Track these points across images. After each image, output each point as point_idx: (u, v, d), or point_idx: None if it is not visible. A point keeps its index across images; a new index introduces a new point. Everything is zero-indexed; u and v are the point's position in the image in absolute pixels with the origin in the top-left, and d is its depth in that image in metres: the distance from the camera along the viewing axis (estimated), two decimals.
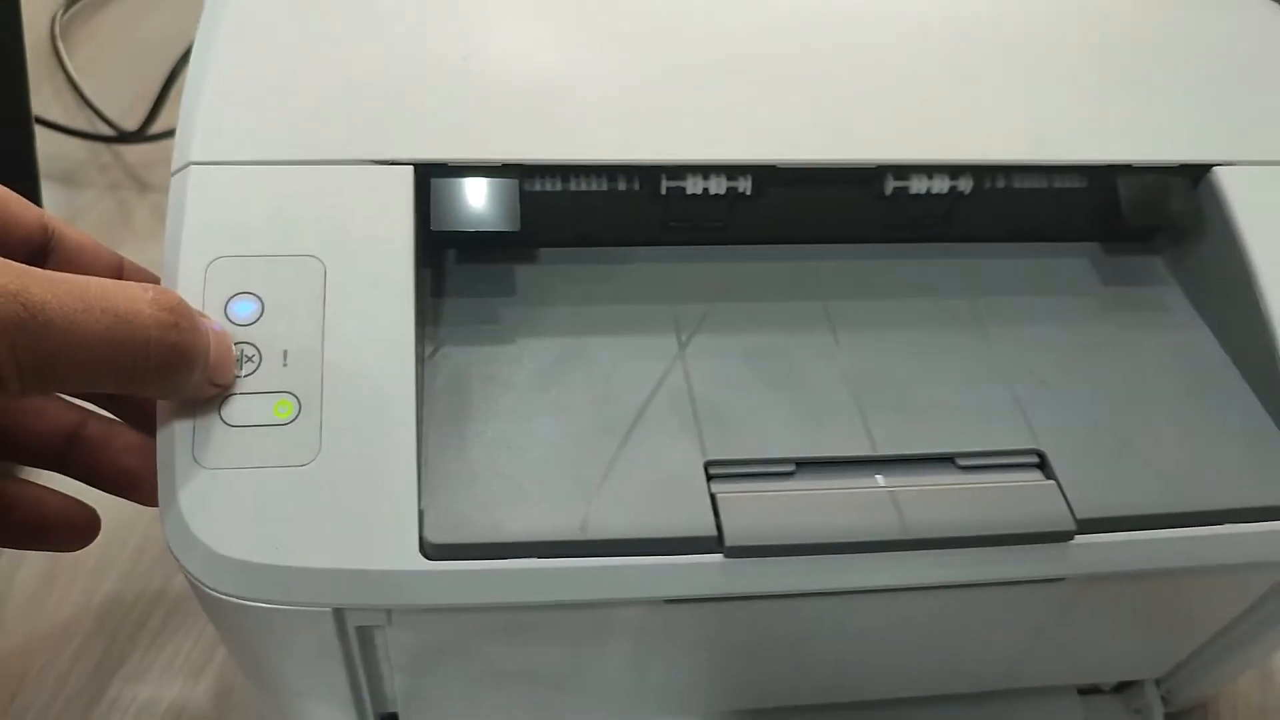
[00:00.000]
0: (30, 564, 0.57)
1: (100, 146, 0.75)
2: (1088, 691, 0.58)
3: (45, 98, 0.77)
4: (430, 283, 0.45)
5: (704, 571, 0.38)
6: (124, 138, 0.74)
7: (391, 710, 0.49)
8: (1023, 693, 0.56)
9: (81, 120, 0.76)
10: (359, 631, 0.41)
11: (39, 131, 0.64)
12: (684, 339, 0.44)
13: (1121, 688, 0.58)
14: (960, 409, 0.43)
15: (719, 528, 0.38)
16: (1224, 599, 0.48)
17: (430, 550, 0.37)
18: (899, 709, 0.55)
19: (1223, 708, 0.59)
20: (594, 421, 0.41)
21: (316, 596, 0.37)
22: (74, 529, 0.42)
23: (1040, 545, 0.40)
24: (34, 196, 0.61)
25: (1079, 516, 0.40)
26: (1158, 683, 0.57)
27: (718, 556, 0.38)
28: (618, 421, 0.41)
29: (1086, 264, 0.50)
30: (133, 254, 0.67)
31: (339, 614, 0.38)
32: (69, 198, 0.72)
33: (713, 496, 0.39)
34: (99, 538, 0.56)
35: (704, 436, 0.41)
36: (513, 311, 0.45)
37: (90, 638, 0.55)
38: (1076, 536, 0.40)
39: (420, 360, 0.41)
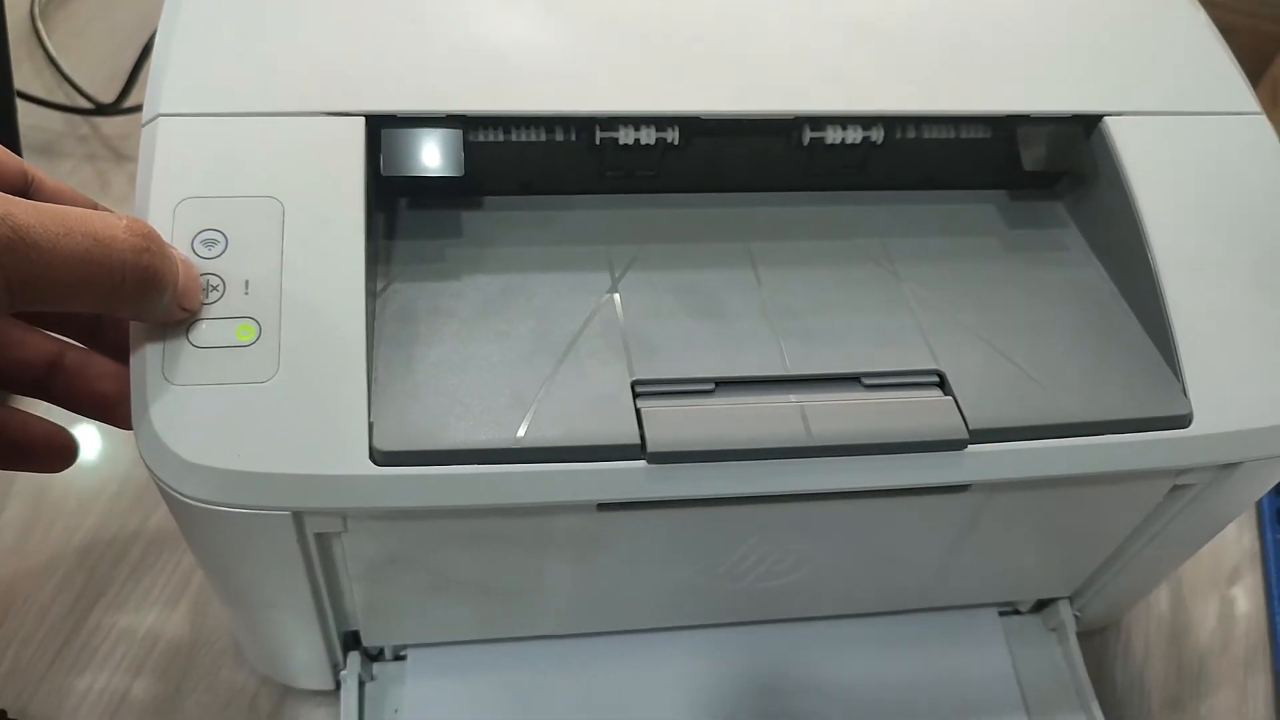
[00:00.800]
0: (14, 505, 0.61)
1: (78, 119, 0.79)
2: (1008, 613, 0.62)
3: (26, 75, 0.80)
4: (383, 227, 0.49)
5: (630, 476, 0.42)
6: (101, 110, 0.78)
7: (353, 628, 0.53)
8: (945, 614, 0.61)
9: (60, 96, 0.79)
10: (318, 539, 0.45)
11: (20, 105, 0.67)
12: (617, 275, 0.48)
13: (1038, 609, 0.62)
14: (868, 336, 0.47)
15: (642, 437, 0.42)
16: (1121, 511, 0.52)
17: (379, 457, 0.41)
18: (825, 627, 0.59)
19: (1135, 628, 0.64)
20: (532, 346, 0.45)
21: (277, 500, 0.41)
22: (57, 450, 0.46)
23: (937, 453, 0.44)
24: None
25: (972, 427, 0.44)
26: (1071, 602, 0.61)
27: (641, 463, 0.42)
28: (554, 347, 0.45)
29: (992, 209, 0.54)
30: None
31: (298, 518, 0.42)
32: (49, 167, 0.76)
33: (638, 410, 0.43)
34: (86, 469, 0.60)
35: (632, 360, 0.45)
36: (459, 252, 0.48)
37: (72, 572, 0.59)
38: (970, 445, 0.44)
39: (372, 294, 0.45)
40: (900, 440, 0.44)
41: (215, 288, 0.42)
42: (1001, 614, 0.62)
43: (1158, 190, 0.50)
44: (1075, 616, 0.61)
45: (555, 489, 0.42)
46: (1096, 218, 0.52)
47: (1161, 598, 0.65)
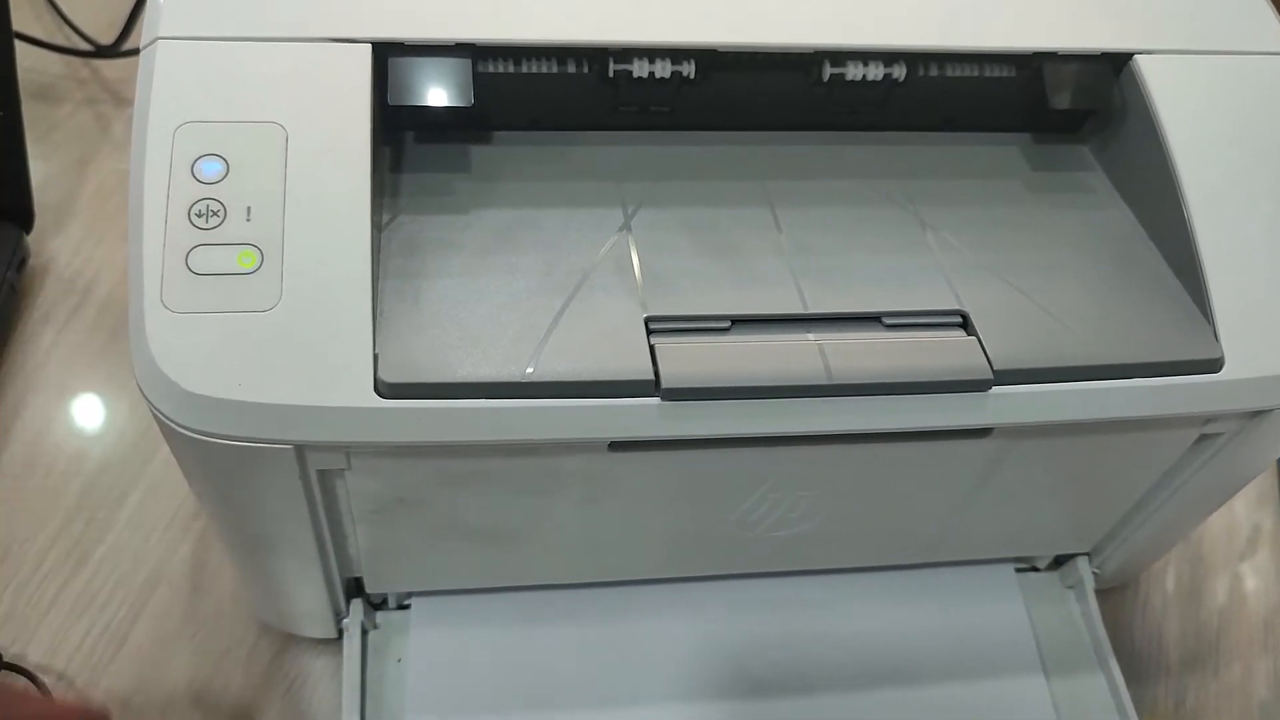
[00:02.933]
0: (13, 448, 0.59)
1: (78, 62, 0.77)
2: (1024, 570, 0.61)
3: (25, 17, 0.78)
4: (389, 160, 0.47)
5: (642, 414, 0.41)
6: (101, 53, 0.76)
7: (356, 575, 0.52)
8: (961, 569, 0.59)
9: (60, 38, 0.78)
10: (321, 478, 0.44)
11: (18, 47, 0.65)
12: (630, 212, 0.47)
13: (1056, 565, 0.61)
14: (889, 276, 0.46)
15: (656, 373, 0.41)
16: (1145, 461, 0.50)
17: (384, 389, 0.39)
18: (839, 580, 0.58)
19: (1153, 587, 0.63)
20: (541, 282, 0.43)
21: (278, 433, 0.40)
22: None
23: (959, 394, 0.43)
24: (14, 110, 0.63)
25: (997, 368, 0.43)
26: (1089, 558, 0.60)
27: (655, 399, 0.41)
28: (564, 282, 0.43)
29: (1016, 152, 0.52)
30: (110, 164, 0.70)
31: (300, 453, 0.41)
32: (47, 111, 0.74)
33: (651, 347, 0.42)
34: (85, 416, 0.59)
35: (645, 296, 0.43)
36: (467, 186, 0.47)
37: (71, 516, 0.58)
38: (994, 387, 0.43)
39: (377, 227, 0.44)
40: (923, 380, 0.42)
41: (215, 213, 0.41)
42: (1018, 570, 0.61)
43: (1189, 130, 0.48)
44: (1094, 574, 0.59)
45: (565, 426, 0.41)
46: (1124, 160, 0.51)
47: (1181, 557, 0.64)
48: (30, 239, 0.66)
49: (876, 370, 0.42)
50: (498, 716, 0.53)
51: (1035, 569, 0.61)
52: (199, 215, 0.41)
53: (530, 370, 0.40)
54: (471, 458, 0.44)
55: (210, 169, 0.41)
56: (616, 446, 0.44)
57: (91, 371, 0.63)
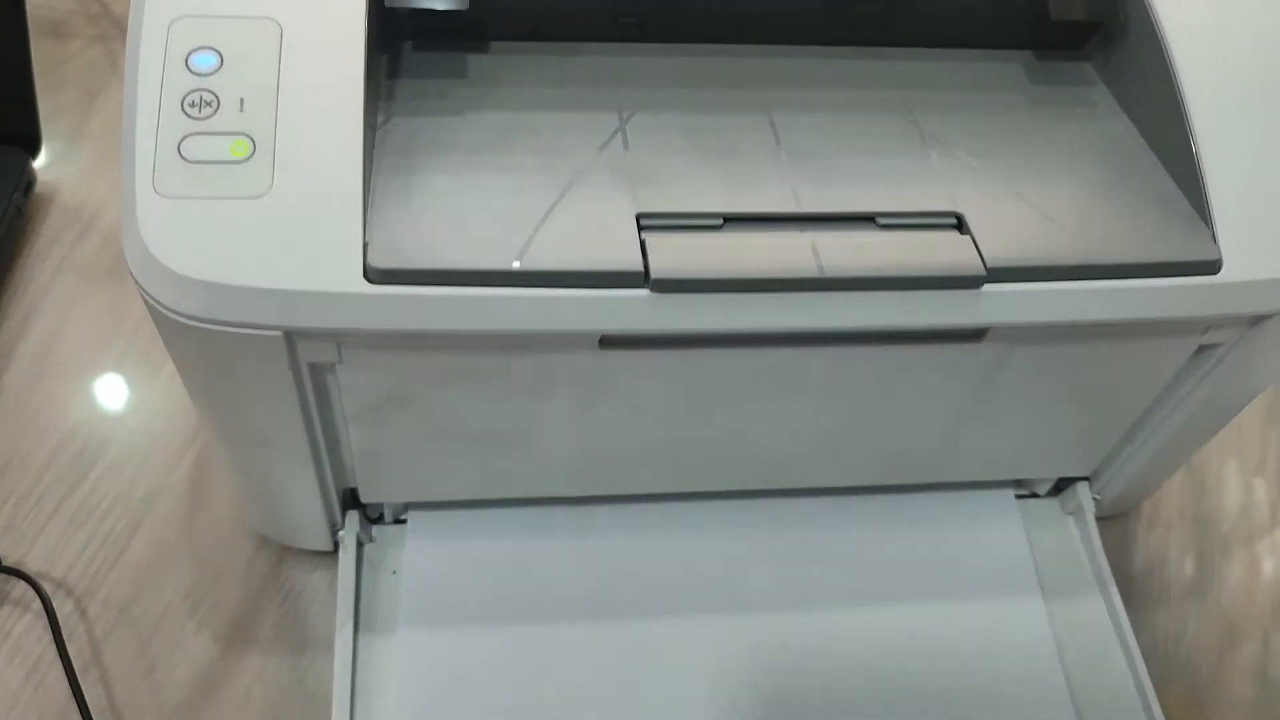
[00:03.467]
0: (17, 365, 0.60)
1: None
2: (1025, 497, 0.61)
3: None
4: (387, 67, 0.47)
5: (632, 306, 0.41)
6: None
7: (351, 485, 0.53)
8: (960, 494, 0.59)
9: None
10: (312, 372, 0.44)
11: None
12: (625, 116, 0.47)
13: (1056, 492, 0.61)
14: (885, 179, 0.45)
15: (646, 264, 0.41)
16: (1144, 372, 0.50)
17: (373, 275, 0.39)
18: (837, 501, 0.58)
19: (1156, 516, 0.62)
20: (535, 180, 0.43)
21: (268, 317, 0.40)
22: None
23: (952, 291, 0.43)
24: (22, 35, 0.63)
25: (990, 265, 0.42)
26: (1090, 484, 0.59)
27: (644, 291, 0.41)
28: (557, 180, 0.43)
29: (1019, 68, 0.52)
30: (119, 97, 0.70)
31: (290, 341, 0.41)
32: (58, 46, 0.75)
33: (642, 240, 0.41)
34: (88, 337, 0.60)
35: (638, 194, 0.43)
36: (463, 91, 0.47)
37: (73, 431, 0.58)
38: (987, 285, 0.43)
39: (372, 127, 0.44)
40: (914, 275, 0.42)
41: (209, 104, 0.41)
42: (1018, 497, 0.60)
43: (1191, 39, 0.47)
44: (1094, 499, 0.59)
45: (554, 317, 0.41)
46: (1126, 73, 0.50)
47: (1185, 486, 0.63)
48: (38, 167, 0.67)
49: (868, 265, 0.42)
50: (491, 628, 0.53)
51: (1036, 495, 0.61)
52: (192, 105, 0.41)
53: (519, 260, 0.40)
54: (461, 353, 0.44)
55: (204, 62, 0.41)
56: (607, 344, 0.44)
57: (96, 294, 0.63)
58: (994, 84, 0.51)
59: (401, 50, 0.48)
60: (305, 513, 0.52)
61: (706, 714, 0.52)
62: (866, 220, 0.44)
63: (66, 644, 0.51)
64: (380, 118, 0.45)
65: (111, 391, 0.60)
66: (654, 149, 0.45)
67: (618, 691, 0.52)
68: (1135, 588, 0.59)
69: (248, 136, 0.41)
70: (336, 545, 0.54)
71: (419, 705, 0.50)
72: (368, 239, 0.40)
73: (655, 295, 0.41)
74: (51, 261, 0.64)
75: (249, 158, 0.40)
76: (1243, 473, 0.64)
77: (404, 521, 0.56)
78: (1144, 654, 0.55)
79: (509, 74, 0.48)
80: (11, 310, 0.62)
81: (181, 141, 0.40)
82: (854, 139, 0.47)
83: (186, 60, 0.41)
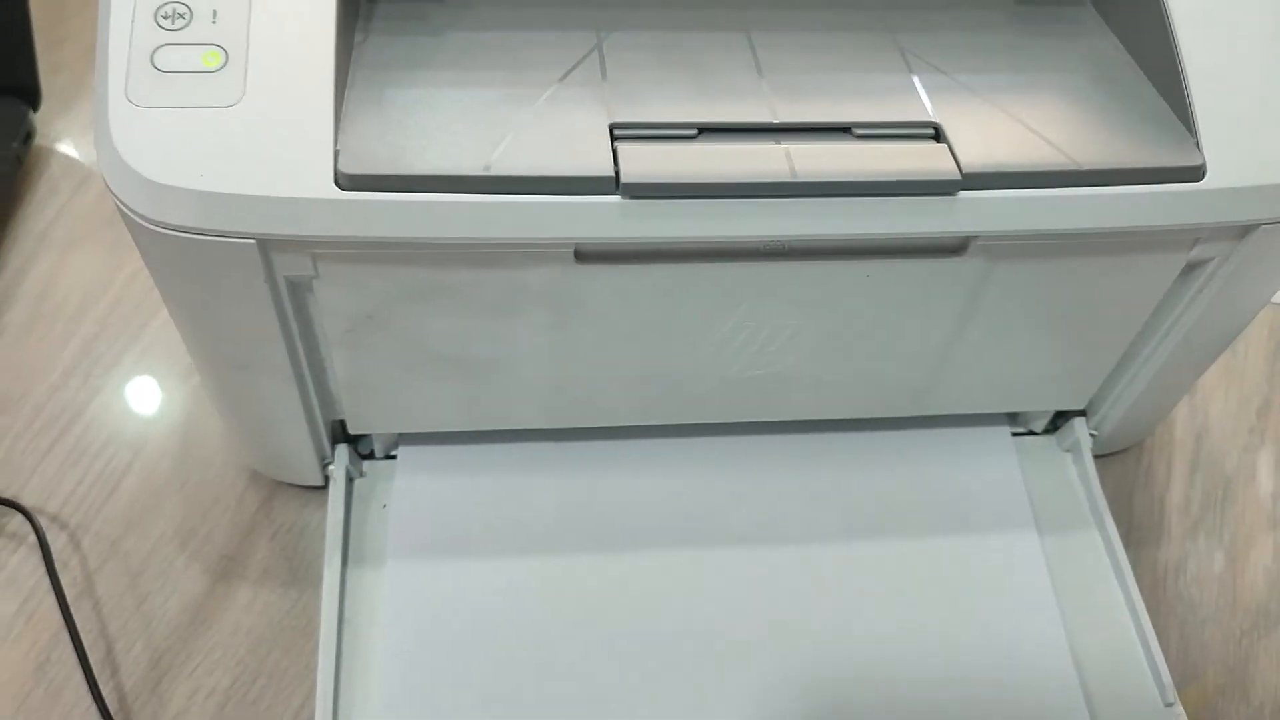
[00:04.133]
0: (15, 308, 0.61)
1: None
2: (1021, 434, 0.60)
3: None
4: None
5: (603, 212, 0.41)
6: None
7: (339, 417, 0.53)
8: (955, 430, 0.59)
9: None
10: (291, 289, 0.44)
11: None
12: (602, 35, 0.46)
13: (1053, 430, 0.60)
14: (863, 92, 0.45)
15: (616, 170, 0.41)
16: (1132, 292, 0.49)
17: (343, 181, 0.40)
18: (829, 438, 0.58)
19: (1157, 454, 0.61)
20: (508, 92, 0.43)
21: (240, 224, 0.40)
22: None
23: (927, 198, 0.42)
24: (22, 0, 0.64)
25: (966, 171, 0.42)
26: (1087, 420, 0.58)
27: (616, 198, 0.41)
28: (531, 93, 0.43)
29: None
30: None
31: (265, 251, 0.41)
32: (57, 5, 0.75)
33: (614, 147, 0.41)
34: (85, 282, 0.60)
35: (612, 105, 0.43)
36: (442, 12, 0.47)
37: (69, 372, 0.59)
38: (964, 191, 0.42)
39: (348, 45, 0.44)
40: (889, 180, 0.42)
41: (181, 15, 0.41)
42: (1015, 434, 0.60)
43: None
44: (1091, 435, 0.58)
45: (525, 223, 0.41)
46: None
47: (1186, 425, 0.62)
48: (38, 119, 0.68)
49: (842, 170, 0.42)
50: (477, 560, 0.53)
51: (1032, 432, 0.60)
52: (165, 17, 0.41)
53: (490, 165, 0.40)
54: (436, 267, 0.44)
55: None
56: (582, 257, 0.44)
57: (93, 240, 0.64)
58: (980, 3, 0.50)
59: None
60: (294, 445, 0.53)
61: (692, 644, 0.51)
62: (843, 131, 0.44)
63: (60, 576, 0.52)
64: (358, 37, 0.45)
65: (107, 334, 0.60)
66: (630, 66, 0.45)
67: (601, 621, 0.52)
68: (1135, 525, 0.59)
69: (220, 47, 0.41)
70: (327, 480, 0.55)
71: (405, 635, 0.50)
72: (339, 147, 0.40)
73: (627, 201, 0.41)
74: (50, 209, 0.65)
75: (221, 67, 0.41)
76: (1246, 413, 0.63)
77: (394, 457, 0.56)
78: (1142, 588, 0.54)
79: None
80: (10, 256, 0.63)
81: (154, 52, 0.41)
82: (833, 57, 0.47)
83: None
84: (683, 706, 0.50)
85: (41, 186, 0.66)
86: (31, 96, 0.66)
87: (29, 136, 0.66)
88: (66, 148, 0.68)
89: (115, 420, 0.57)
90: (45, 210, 0.65)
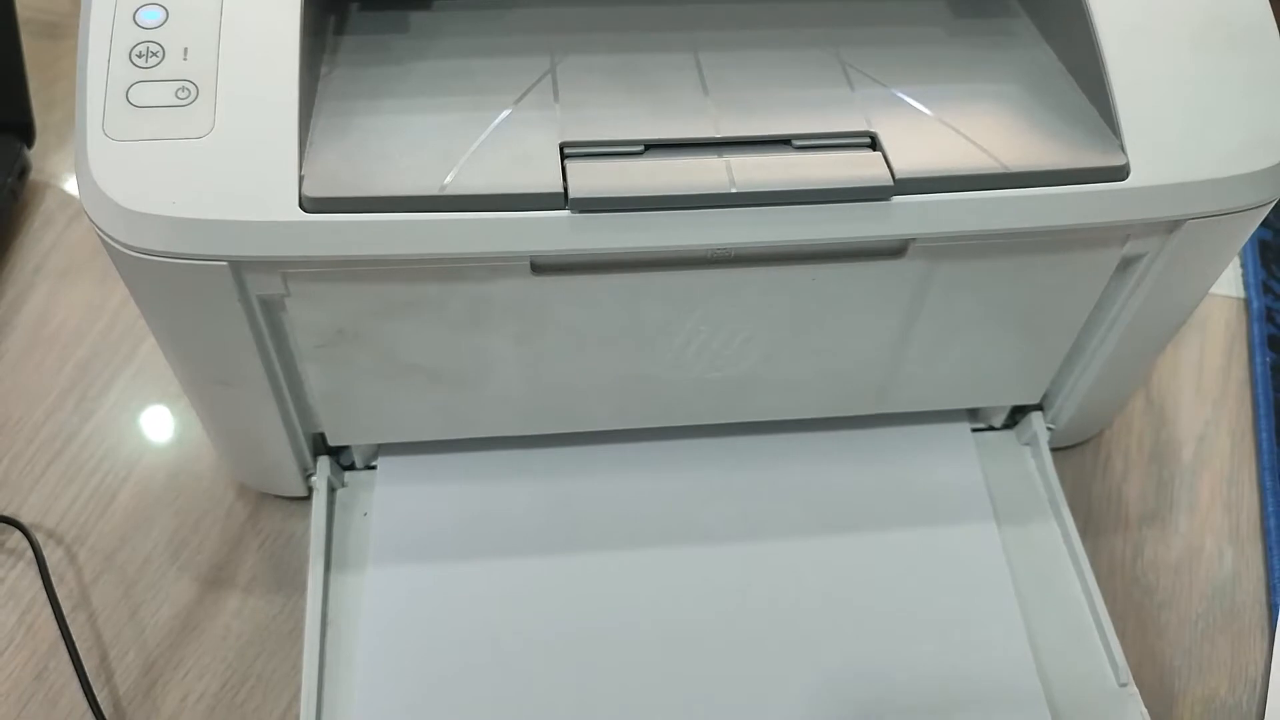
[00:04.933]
0: (11, 337, 0.63)
1: None
2: (981, 429, 0.62)
3: None
4: (333, 25, 0.50)
5: (554, 226, 0.43)
6: None
7: (319, 430, 0.55)
8: (916, 428, 0.61)
9: None
10: (265, 308, 0.47)
11: None
12: (556, 60, 0.49)
13: (1012, 425, 0.62)
14: (804, 107, 0.47)
15: (565, 186, 0.43)
16: (1072, 288, 0.51)
17: (308, 204, 0.42)
18: (793, 438, 0.60)
19: (1115, 447, 0.63)
20: (465, 116, 0.46)
21: (212, 247, 0.43)
22: None
23: (862, 204, 0.45)
24: (12, 29, 0.67)
25: (899, 177, 0.44)
26: (1044, 414, 0.60)
27: (565, 212, 0.43)
28: (486, 116, 0.46)
29: (943, 3, 0.54)
30: None
31: (237, 273, 0.44)
32: (53, 45, 0.78)
33: (564, 165, 0.44)
34: (79, 308, 0.63)
35: (563, 126, 0.46)
36: (404, 43, 0.50)
37: (65, 394, 0.61)
38: (898, 196, 0.44)
39: (315, 77, 0.47)
40: (824, 188, 0.44)
41: (154, 54, 0.44)
42: (975, 430, 0.62)
43: None
44: (1048, 429, 0.60)
45: (480, 238, 0.43)
46: (1047, 4, 0.52)
47: (1144, 419, 0.64)
48: (33, 155, 0.70)
49: (779, 179, 0.44)
50: (457, 564, 0.55)
51: (992, 428, 0.62)
52: (139, 56, 0.44)
53: (446, 184, 0.43)
54: (400, 283, 0.46)
55: (150, 16, 0.44)
56: (539, 269, 0.46)
57: (87, 270, 0.66)
58: (919, 19, 0.53)
59: (348, 10, 0.51)
60: (277, 458, 0.55)
61: (669, 643, 0.53)
62: (782, 143, 0.46)
63: (56, 588, 0.54)
64: (324, 69, 0.48)
65: (100, 359, 0.63)
66: (582, 88, 0.48)
67: (579, 622, 0.54)
68: (1093, 515, 0.60)
69: (191, 83, 0.43)
70: (310, 491, 0.57)
71: (387, 637, 0.53)
72: (304, 172, 0.43)
73: (576, 215, 0.43)
74: (45, 241, 0.68)
75: (192, 102, 0.43)
76: (1201, 404, 0.65)
77: (374, 468, 0.58)
78: (1100, 576, 0.56)
79: (449, 27, 0.51)
80: (7, 286, 0.65)
81: (129, 88, 0.43)
82: (777, 73, 0.49)
83: (134, 15, 0.44)
84: (662, 702, 0.52)
85: (37, 219, 0.69)
86: (26, 133, 0.69)
87: (24, 171, 0.69)
88: (61, 182, 0.71)
89: (109, 440, 0.60)
90: (41, 242, 0.68)
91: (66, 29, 0.79)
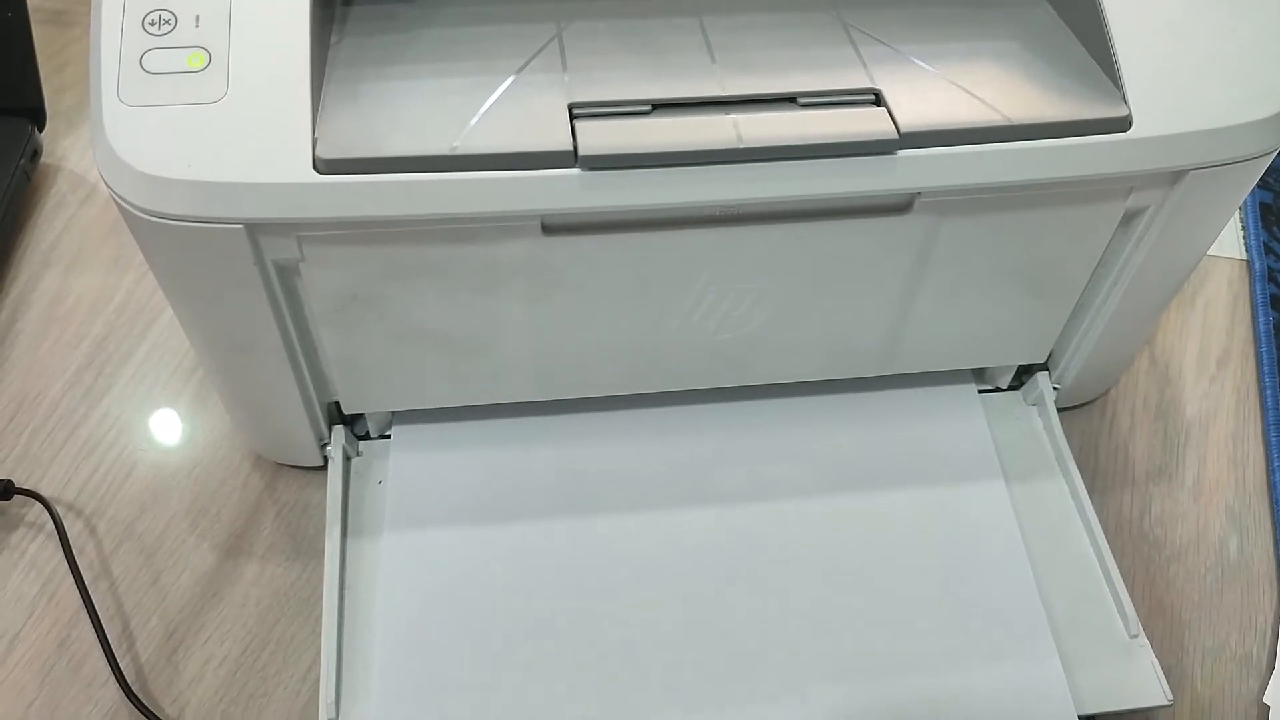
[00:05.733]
0: (27, 315, 0.64)
1: None
2: (987, 391, 0.62)
3: None
4: None
5: (564, 184, 0.44)
6: None
7: (334, 399, 0.56)
8: (923, 390, 0.61)
9: None
10: (280, 273, 0.47)
11: None
12: (563, 25, 0.50)
13: (1018, 386, 0.63)
14: (810, 68, 0.48)
15: (575, 144, 0.44)
16: (1075, 242, 0.52)
17: (321, 166, 0.43)
18: (802, 401, 0.60)
19: (1121, 405, 0.64)
20: (474, 81, 0.46)
21: (227, 210, 0.43)
22: None
23: (868, 158, 0.45)
24: (22, 12, 0.67)
25: (904, 131, 0.45)
26: (1049, 374, 0.61)
27: (575, 170, 0.44)
28: (495, 80, 0.46)
29: None
30: None
31: (253, 236, 0.45)
32: (61, 32, 0.79)
33: (573, 125, 0.44)
34: (94, 286, 0.64)
35: (571, 88, 0.46)
36: (413, 12, 0.50)
37: (82, 371, 0.62)
38: (903, 150, 0.45)
39: (325, 45, 0.47)
40: (830, 142, 0.45)
41: (167, 21, 0.44)
42: (981, 391, 0.62)
43: None
44: (1054, 388, 0.61)
45: (492, 197, 0.44)
46: None
47: (1149, 379, 0.65)
48: (44, 139, 0.71)
49: (786, 135, 0.45)
50: (471, 529, 0.56)
51: (999, 389, 0.63)
52: (152, 24, 0.44)
53: (457, 144, 0.44)
54: (413, 244, 0.47)
55: None
56: (550, 230, 0.47)
57: (100, 250, 0.67)
58: None
59: None
60: (293, 427, 0.56)
61: (681, 602, 0.54)
62: (788, 101, 0.47)
63: (77, 558, 0.55)
64: (334, 38, 0.48)
65: (115, 335, 0.63)
66: (588, 53, 0.48)
67: (593, 584, 0.54)
68: (1101, 472, 0.61)
69: (204, 49, 0.44)
70: (326, 461, 0.58)
71: (404, 600, 0.53)
72: (316, 135, 0.43)
73: (585, 173, 0.44)
74: (59, 222, 0.68)
75: (205, 68, 0.44)
76: (1206, 363, 0.65)
77: (388, 437, 0.59)
78: (1108, 532, 0.57)
79: None
80: (22, 267, 0.66)
81: (143, 55, 0.44)
82: (781, 35, 0.50)
83: None
84: (675, 659, 0.52)
85: (49, 201, 0.70)
86: (37, 116, 0.70)
87: (36, 154, 0.70)
88: (72, 164, 0.72)
89: (126, 414, 0.61)
90: (54, 223, 0.68)
91: (74, 16, 0.80)
